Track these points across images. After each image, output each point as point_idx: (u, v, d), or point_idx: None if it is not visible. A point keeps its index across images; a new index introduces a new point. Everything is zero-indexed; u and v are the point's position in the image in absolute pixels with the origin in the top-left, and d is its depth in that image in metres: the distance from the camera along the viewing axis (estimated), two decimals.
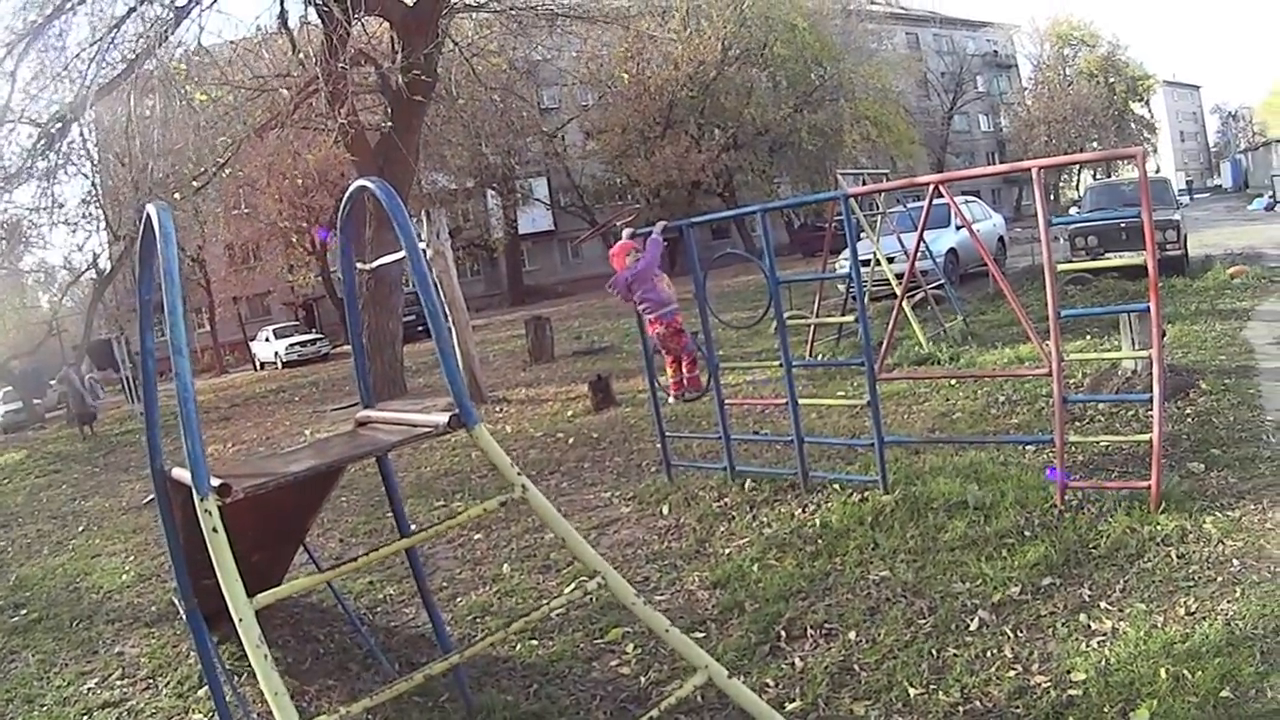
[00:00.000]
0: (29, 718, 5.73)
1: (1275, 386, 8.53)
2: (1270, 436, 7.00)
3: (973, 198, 25.36)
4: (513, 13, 19.64)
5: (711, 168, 47.73)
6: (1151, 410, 5.88)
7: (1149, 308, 5.77)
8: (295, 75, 17.46)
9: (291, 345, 39.13)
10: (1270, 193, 43.41)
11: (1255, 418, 7.58)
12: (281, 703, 2.93)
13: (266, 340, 41.15)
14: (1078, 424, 8.06)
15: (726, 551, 6.43)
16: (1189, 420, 7.76)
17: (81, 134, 16.89)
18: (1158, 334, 5.77)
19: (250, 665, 5.61)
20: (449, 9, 17.96)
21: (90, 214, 22.92)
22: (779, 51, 48.74)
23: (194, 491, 3.20)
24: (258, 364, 42.10)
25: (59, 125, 15.52)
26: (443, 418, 3.81)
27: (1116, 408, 8.28)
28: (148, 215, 3.60)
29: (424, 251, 4.56)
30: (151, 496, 12.24)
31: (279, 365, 38.62)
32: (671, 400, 8.16)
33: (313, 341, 39.95)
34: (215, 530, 3.13)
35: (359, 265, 5.27)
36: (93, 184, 19.31)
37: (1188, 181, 30.69)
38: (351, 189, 4.41)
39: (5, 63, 14.18)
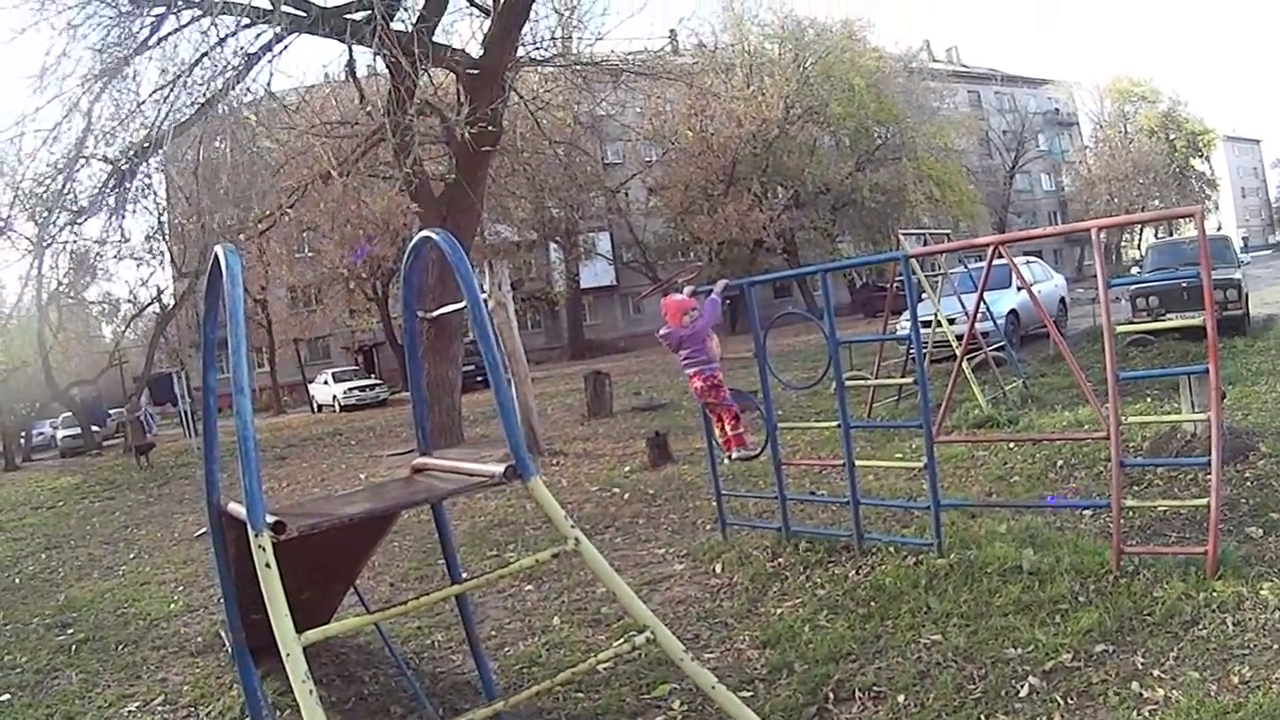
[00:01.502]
0: None
1: None
2: None
3: (1034, 258, 25.21)
4: (577, 68, 19.93)
5: (774, 226, 47.77)
6: (1210, 474, 5.83)
7: (1208, 369, 5.75)
8: (361, 124, 17.82)
9: (350, 389, 39.58)
10: None
11: None
12: None
13: (325, 383, 41.68)
14: (1135, 488, 7.98)
15: (778, 612, 6.42)
16: (1248, 484, 7.65)
17: (150, 173, 17.38)
18: (1216, 396, 5.74)
19: (292, 701, 5.75)
20: (515, 63, 18.27)
21: (155, 250, 23.65)
22: (836, 110, 48.88)
23: (249, 527, 3.29)
24: (315, 406, 42.59)
25: (129, 164, 15.96)
26: (499, 468, 3.88)
27: (1175, 471, 8.18)
28: (215, 256, 3.72)
29: (485, 303, 4.67)
30: (204, 530, 12.49)
31: (336, 408, 39.09)
32: (728, 460, 8.14)
33: (371, 386, 40.38)
34: (268, 566, 3.22)
35: (420, 314, 5.38)
36: (159, 221, 19.85)
37: (1244, 239, 30.17)
38: (415, 240, 4.51)
39: (81, 101, 14.62)
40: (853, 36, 51.02)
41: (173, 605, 8.84)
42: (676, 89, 31.41)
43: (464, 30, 61.82)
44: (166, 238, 22.02)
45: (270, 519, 3.31)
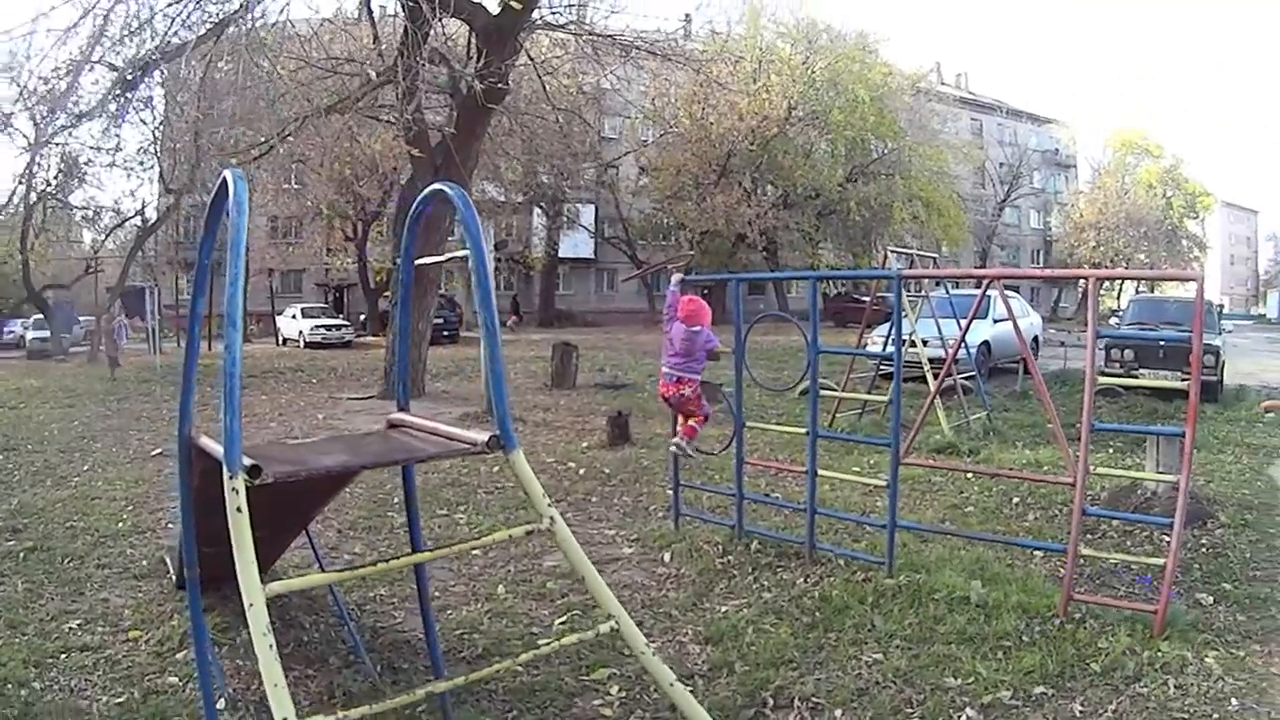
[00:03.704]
0: (10, 642, 5.73)
1: None
2: None
3: (1013, 294, 25.33)
4: (590, 38, 19.81)
5: (759, 223, 47.76)
6: (1167, 534, 5.85)
7: (1183, 432, 5.77)
8: (370, 64, 17.67)
9: (317, 327, 39.42)
10: None
11: (1272, 559, 7.54)
12: (280, 696, 2.92)
13: (294, 318, 41.47)
14: (1089, 536, 8.02)
15: (723, 610, 6.41)
16: (1203, 550, 7.72)
17: (152, 86, 17.21)
18: (1188, 461, 5.76)
19: (231, 638, 5.69)
20: (531, 24, 18.14)
21: (146, 163, 23.43)
22: (837, 118, 48.85)
23: (225, 468, 3.21)
24: (281, 339, 42.30)
25: (135, 74, 15.77)
26: (482, 436, 3.81)
27: (1131, 526, 8.26)
28: (224, 180, 3.60)
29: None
30: (160, 451, 12.38)
31: (301, 344, 38.87)
32: (674, 447, 8.03)
33: (338, 326, 40.19)
34: (240, 510, 3.14)
35: (420, 261, 5.28)
36: (155, 134, 19.64)
37: (1220, 306, 30.59)
38: (427, 190, 4.42)
39: (100, 3, 14.42)
40: (865, 48, 50.98)
41: (121, 524, 8.70)
42: (684, 73, 31.18)
43: None
44: (159, 152, 21.78)
45: (247, 462, 3.23)
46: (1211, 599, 6.44)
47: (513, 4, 15.85)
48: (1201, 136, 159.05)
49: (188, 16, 14.92)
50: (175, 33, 15.02)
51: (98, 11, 14.46)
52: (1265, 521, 8.69)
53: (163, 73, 16.73)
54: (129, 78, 15.69)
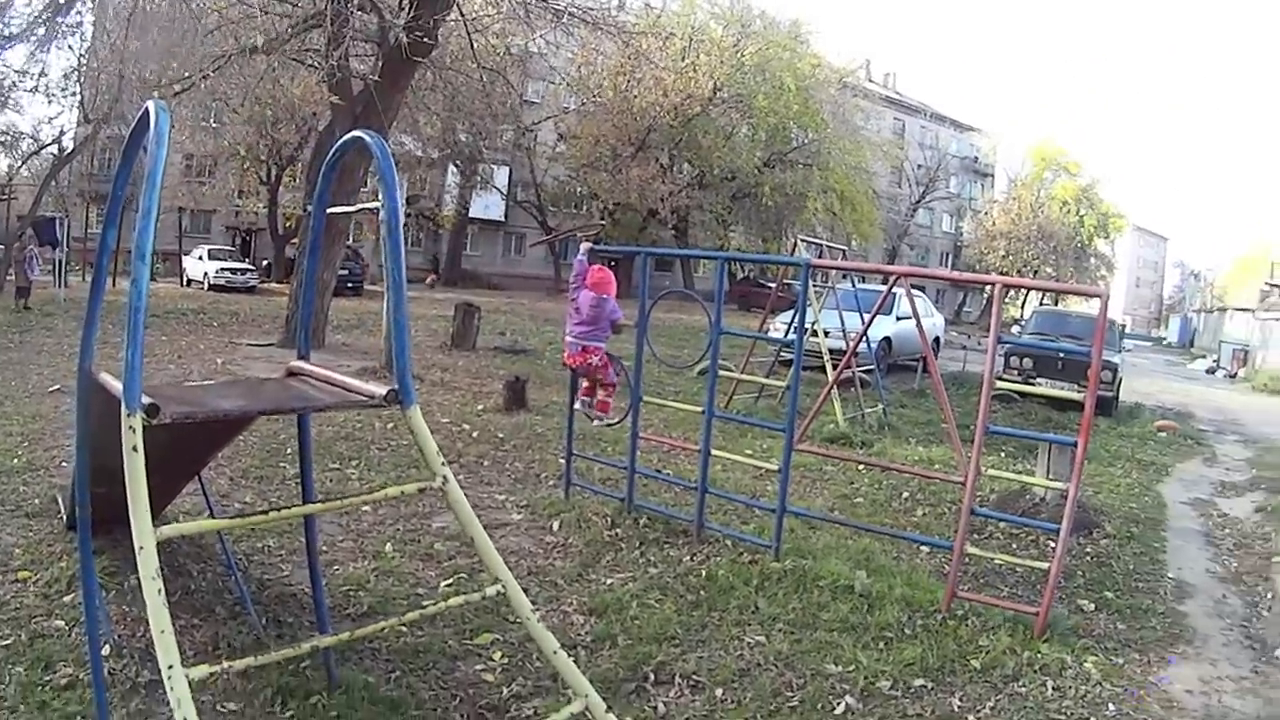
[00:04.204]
0: None
1: (1182, 547, 8.72)
2: (1167, 593, 7.13)
3: (919, 293, 25.65)
4: None
5: (671, 201, 47.69)
6: (1053, 539, 5.91)
7: (1075, 441, 5.82)
8: (301, 5, 17.25)
9: (222, 270, 38.33)
10: (1215, 358, 44.62)
11: (1155, 571, 7.75)
12: (166, 641, 2.81)
13: (199, 259, 40.29)
14: (976, 536, 8.12)
15: (609, 582, 6.35)
16: (1088, 558, 7.88)
17: (82, 12, 16.69)
18: (1079, 469, 5.82)
19: (119, 583, 5.51)
20: None
21: (69, 89, 22.71)
22: (761, 103, 48.95)
23: (123, 405, 3.07)
24: (185, 279, 41.22)
25: None
26: (381, 390, 3.73)
27: (1018, 529, 8.38)
28: (146, 111, 3.43)
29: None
30: (57, 387, 11.95)
31: (205, 286, 37.82)
32: (581, 406, 8.03)
33: (243, 271, 39.18)
34: (135, 449, 3.01)
35: (307, 209, 5.12)
36: (80, 61, 19.03)
37: (1122, 326, 31.54)
38: (346, 138, 4.29)
39: None
40: (797, 38, 51.06)
41: (15, 460, 8.33)
42: (613, 44, 30.97)
43: None
44: (82, 80, 21.13)
45: (146, 400, 3.08)
46: (1093, 606, 6.56)
47: None
48: (1122, 160, 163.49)
49: None
50: None
51: None
52: (1150, 536, 8.91)
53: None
54: (61, 2, 15.14)
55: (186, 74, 16.62)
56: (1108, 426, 15.83)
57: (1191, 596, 7.23)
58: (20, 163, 38.01)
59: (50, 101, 26.08)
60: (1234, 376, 39.24)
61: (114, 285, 25.05)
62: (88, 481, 4.10)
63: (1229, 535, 9.51)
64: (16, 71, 22.15)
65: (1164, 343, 77.93)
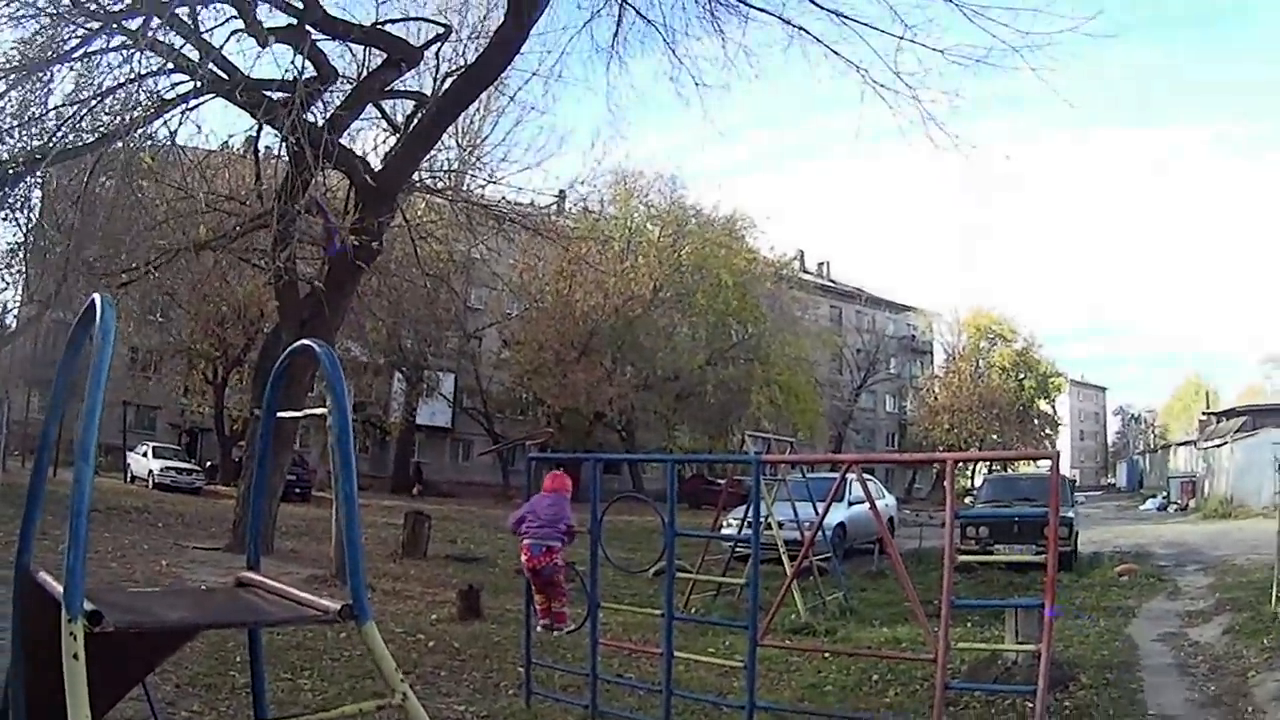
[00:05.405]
0: None
1: (1159, 682, 8.85)
2: None
3: (869, 476, 25.78)
4: (467, 205, 20.01)
5: (619, 403, 48.06)
6: (1030, 701, 5.87)
7: (1041, 603, 5.83)
8: (249, 205, 17.49)
9: (167, 468, 37.63)
10: (1164, 494, 45.15)
11: (1135, 711, 7.85)
12: None
13: (144, 455, 39.58)
14: (951, 709, 7.97)
15: None
16: (1067, 712, 7.88)
17: (31, 186, 16.77)
18: (1048, 629, 5.80)
19: None
20: (410, 185, 18.24)
21: (14, 265, 22.56)
22: (700, 301, 49.89)
23: (64, 610, 2.98)
24: (129, 475, 40.42)
25: (16, 169, 15.38)
26: (335, 605, 3.65)
27: (994, 697, 8.28)
28: (92, 303, 3.42)
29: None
30: None
31: (150, 484, 37.09)
32: (540, 628, 7.95)
33: (190, 471, 38.47)
34: (75, 657, 2.91)
35: (256, 412, 5.12)
36: (25, 239, 18.93)
37: (1071, 480, 32.47)
38: (295, 346, 4.30)
39: None
40: (733, 234, 52.44)
41: None
42: (553, 248, 31.66)
43: (368, 140, 61.98)
44: (28, 257, 21.05)
45: (88, 606, 2.97)
46: None
47: None
48: (1053, 315, 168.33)
49: (78, 121, 14.75)
50: (65, 135, 14.76)
51: None
52: (1126, 678, 9.03)
53: (45, 175, 16.33)
54: (9, 173, 15.24)
55: (134, 264, 16.71)
56: (1070, 580, 15.98)
57: None
58: None
59: None
60: (1185, 509, 39.86)
61: (54, 475, 24.52)
62: (22, 683, 3.93)
63: (1202, 662, 9.74)
64: None
65: (1115, 488, 78.85)
